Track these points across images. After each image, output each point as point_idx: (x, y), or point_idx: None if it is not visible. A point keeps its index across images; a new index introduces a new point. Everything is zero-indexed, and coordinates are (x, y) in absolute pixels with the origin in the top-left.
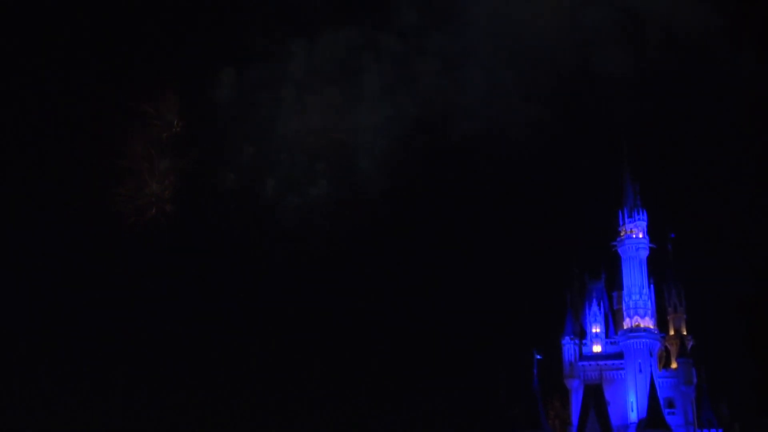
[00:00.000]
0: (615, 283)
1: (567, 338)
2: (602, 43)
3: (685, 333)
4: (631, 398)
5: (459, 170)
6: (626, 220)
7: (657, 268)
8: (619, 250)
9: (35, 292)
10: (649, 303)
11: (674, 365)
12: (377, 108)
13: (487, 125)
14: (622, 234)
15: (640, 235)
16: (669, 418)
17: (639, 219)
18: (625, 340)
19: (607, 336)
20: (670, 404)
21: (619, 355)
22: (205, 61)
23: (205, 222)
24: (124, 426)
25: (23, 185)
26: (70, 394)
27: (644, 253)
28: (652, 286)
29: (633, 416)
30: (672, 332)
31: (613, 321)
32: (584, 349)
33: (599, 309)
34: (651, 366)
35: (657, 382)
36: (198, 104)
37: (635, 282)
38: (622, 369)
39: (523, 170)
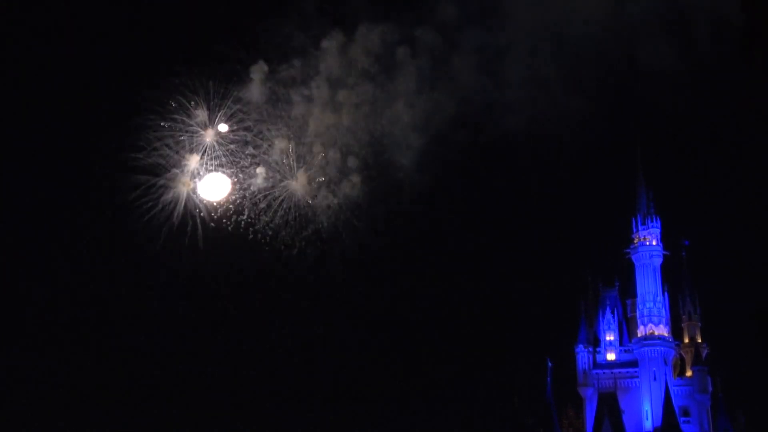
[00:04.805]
0: (629, 290)
1: (581, 346)
2: (648, 36)
3: (699, 341)
4: (646, 406)
5: (493, 171)
6: (639, 227)
7: (671, 276)
8: (633, 258)
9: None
10: (663, 310)
11: (689, 373)
12: (414, 104)
13: (528, 121)
14: (635, 241)
15: (654, 243)
16: (684, 427)
17: (652, 226)
18: (639, 348)
19: (621, 344)
20: (685, 413)
21: (633, 363)
22: (236, 56)
23: (235, 219)
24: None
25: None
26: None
27: (658, 261)
28: (666, 293)
29: (648, 425)
30: (686, 340)
31: (627, 329)
32: (598, 357)
33: (613, 317)
34: (665, 374)
35: (672, 390)
36: (228, 100)
37: (649, 289)
38: (637, 377)
39: (549, 174)
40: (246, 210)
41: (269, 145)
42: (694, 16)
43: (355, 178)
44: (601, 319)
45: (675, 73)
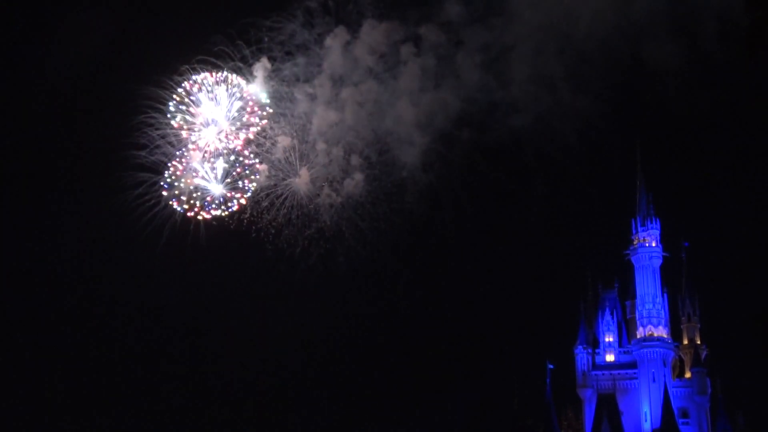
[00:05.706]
0: (628, 292)
1: (580, 348)
2: (653, 35)
3: (699, 342)
4: (645, 408)
5: (496, 170)
6: (639, 228)
7: (670, 277)
8: (632, 259)
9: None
10: (663, 312)
11: (688, 375)
12: (418, 102)
13: (532, 120)
14: (635, 243)
15: (653, 244)
16: (683, 429)
17: (652, 227)
18: (639, 349)
19: (620, 345)
20: (684, 414)
21: (633, 365)
22: (239, 53)
23: (237, 218)
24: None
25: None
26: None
27: (657, 262)
28: (665, 294)
29: (647, 426)
30: (686, 341)
31: (626, 330)
32: (597, 359)
33: (612, 318)
34: (665, 375)
35: (671, 391)
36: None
37: (648, 291)
38: (636, 378)
39: (551, 174)
40: (248, 208)
41: (272, 143)
42: (699, 16)
43: (358, 177)
44: (600, 320)
45: (679, 72)
